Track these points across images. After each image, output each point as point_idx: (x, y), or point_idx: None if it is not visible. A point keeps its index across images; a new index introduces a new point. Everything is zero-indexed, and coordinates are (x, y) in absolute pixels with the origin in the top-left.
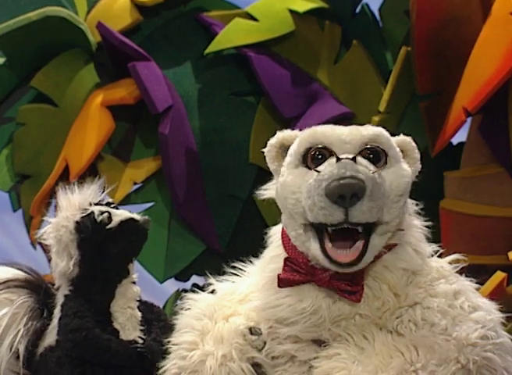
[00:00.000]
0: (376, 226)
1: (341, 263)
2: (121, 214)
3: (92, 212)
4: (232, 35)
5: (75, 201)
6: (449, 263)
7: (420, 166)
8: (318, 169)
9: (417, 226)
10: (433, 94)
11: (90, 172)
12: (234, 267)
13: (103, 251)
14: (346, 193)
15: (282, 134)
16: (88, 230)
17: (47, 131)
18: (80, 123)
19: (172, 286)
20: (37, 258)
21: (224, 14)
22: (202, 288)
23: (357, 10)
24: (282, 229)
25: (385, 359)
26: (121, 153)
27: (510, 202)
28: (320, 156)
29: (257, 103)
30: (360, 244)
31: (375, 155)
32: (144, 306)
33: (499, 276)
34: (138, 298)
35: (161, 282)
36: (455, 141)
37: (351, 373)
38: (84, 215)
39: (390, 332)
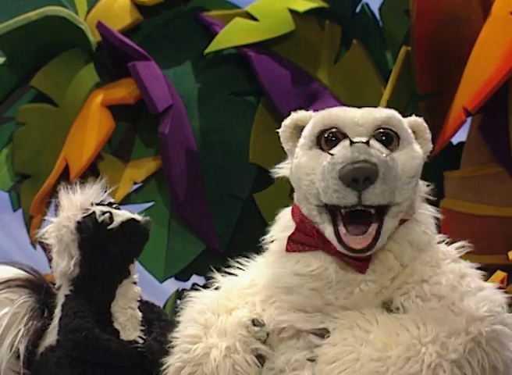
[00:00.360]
0: (389, 208)
1: (354, 249)
2: (122, 214)
3: (93, 213)
4: (232, 35)
5: (76, 201)
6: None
7: (431, 146)
8: (332, 151)
9: (428, 213)
10: (433, 93)
11: (91, 172)
12: (236, 263)
13: (104, 251)
14: (359, 177)
15: (297, 115)
16: (89, 230)
17: (47, 131)
18: (80, 122)
19: (172, 286)
20: (37, 258)
21: (224, 14)
22: (203, 288)
23: (357, 10)
24: (293, 207)
25: (393, 337)
26: (121, 153)
27: (510, 202)
28: (334, 138)
29: (258, 103)
30: (373, 229)
31: (388, 137)
32: (145, 306)
33: (499, 275)
34: (139, 298)
35: (161, 282)
36: (455, 140)
37: (360, 355)
38: (86, 215)
39: (396, 309)
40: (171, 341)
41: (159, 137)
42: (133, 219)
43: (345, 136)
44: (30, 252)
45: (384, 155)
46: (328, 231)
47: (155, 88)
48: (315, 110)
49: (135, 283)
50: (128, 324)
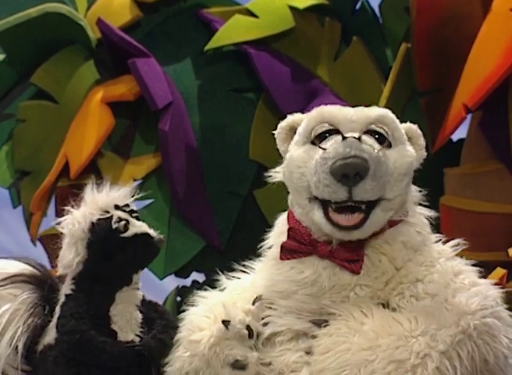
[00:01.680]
0: (379, 202)
1: (343, 226)
2: (139, 226)
3: (111, 217)
4: (232, 32)
5: (98, 201)
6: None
7: (425, 154)
8: (324, 146)
9: (422, 214)
10: (433, 90)
11: (90, 168)
12: (241, 265)
13: (109, 256)
14: (349, 172)
15: (293, 117)
16: (101, 233)
17: (47, 128)
18: (80, 119)
19: (172, 282)
20: (37, 255)
21: (224, 10)
22: (203, 285)
23: (357, 7)
24: (288, 211)
25: (385, 328)
26: (121, 150)
27: (510, 199)
28: (327, 134)
29: (257, 99)
30: (362, 214)
31: (380, 135)
32: (148, 306)
33: (499, 272)
34: (140, 300)
35: (161, 279)
36: (455, 137)
37: (352, 345)
38: (102, 217)
39: (393, 310)
40: (171, 339)
41: (159, 134)
42: (147, 234)
43: (338, 131)
44: (30, 249)
45: (376, 150)
46: (317, 215)
47: (155, 85)
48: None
49: (138, 289)
50: (126, 326)
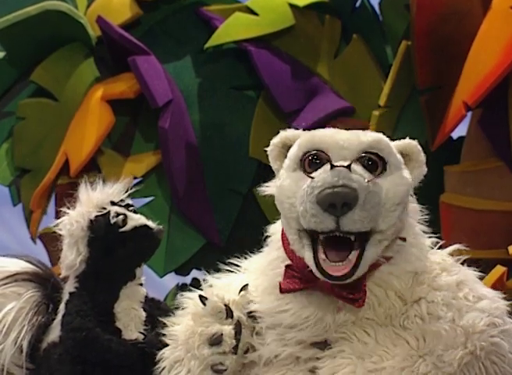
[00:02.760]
0: (371, 235)
1: (333, 276)
2: (137, 219)
3: (108, 213)
4: (232, 29)
5: (94, 198)
6: (450, 255)
7: (425, 170)
8: (313, 175)
9: (416, 223)
10: (433, 88)
11: (90, 166)
12: (230, 263)
13: (111, 252)
14: (337, 202)
15: (285, 134)
16: (100, 230)
17: (47, 125)
18: (80, 117)
19: (172, 280)
20: (37, 253)
21: (224, 8)
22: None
23: (357, 4)
24: (283, 230)
25: (389, 348)
26: (121, 147)
27: (510, 196)
28: (318, 161)
29: (258, 97)
30: (353, 256)
31: (373, 162)
32: (151, 303)
33: (499, 270)
34: (144, 298)
35: (162, 276)
36: (455, 135)
37: (357, 367)
38: (100, 214)
39: (396, 327)
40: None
41: (159, 132)
42: (146, 226)
43: (328, 159)
44: (30, 247)
45: (366, 180)
46: (307, 257)
47: (155, 83)
48: (314, 107)
49: (141, 284)
50: (131, 324)
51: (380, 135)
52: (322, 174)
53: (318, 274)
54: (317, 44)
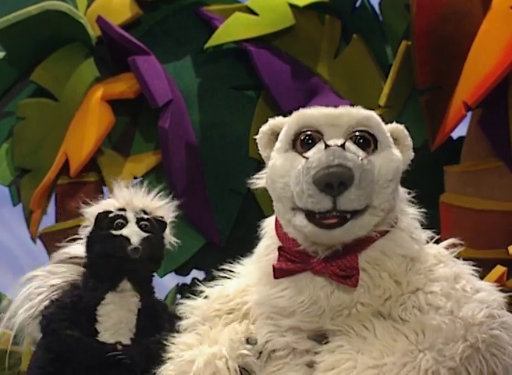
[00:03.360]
0: (364, 210)
1: (326, 224)
2: (130, 231)
3: (111, 212)
4: (232, 29)
5: (129, 197)
6: (446, 248)
7: (413, 154)
8: (307, 154)
9: (410, 213)
10: (433, 88)
11: (90, 166)
12: (223, 270)
13: (90, 246)
14: (333, 182)
15: (274, 121)
16: (99, 222)
17: (47, 125)
18: (80, 117)
19: (172, 280)
20: (37, 253)
21: (224, 8)
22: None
23: (357, 4)
24: (276, 219)
25: (389, 343)
26: (121, 147)
27: (510, 196)
28: (310, 141)
29: (257, 97)
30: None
31: (365, 140)
32: (158, 306)
33: (499, 270)
34: (138, 308)
35: (162, 276)
36: (455, 135)
37: (357, 362)
38: (108, 211)
39: (395, 320)
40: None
41: (159, 132)
42: (127, 239)
43: (321, 138)
44: (30, 247)
45: (360, 158)
46: (299, 219)
47: (155, 83)
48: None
49: (135, 296)
50: (112, 329)
51: (370, 112)
52: (317, 154)
53: (309, 228)
54: (317, 44)
